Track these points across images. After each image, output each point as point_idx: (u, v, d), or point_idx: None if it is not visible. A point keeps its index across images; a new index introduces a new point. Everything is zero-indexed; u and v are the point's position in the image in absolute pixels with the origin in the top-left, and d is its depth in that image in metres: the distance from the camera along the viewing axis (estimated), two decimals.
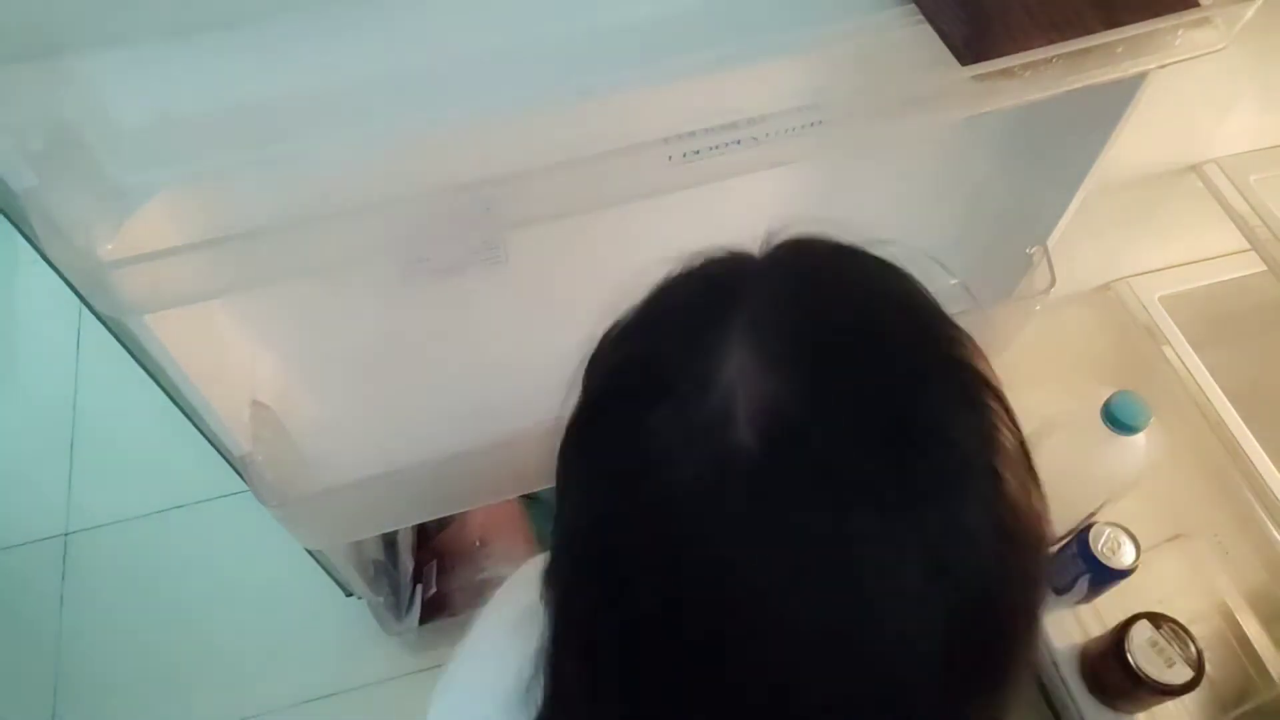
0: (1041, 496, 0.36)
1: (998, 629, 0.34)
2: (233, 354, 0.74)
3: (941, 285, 0.91)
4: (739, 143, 0.49)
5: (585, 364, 0.42)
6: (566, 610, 0.40)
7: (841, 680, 0.32)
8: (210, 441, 0.73)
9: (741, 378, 0.34)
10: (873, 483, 0.32)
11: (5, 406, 1.61)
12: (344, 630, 1.33)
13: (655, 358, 0.38)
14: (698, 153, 0.49)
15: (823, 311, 0.37)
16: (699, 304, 0.39)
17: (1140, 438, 1.00)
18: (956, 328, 0.38)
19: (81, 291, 0.47)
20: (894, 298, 0.39)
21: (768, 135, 0.49)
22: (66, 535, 1.47)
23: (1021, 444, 0.36)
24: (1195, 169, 1.09)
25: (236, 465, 0.72)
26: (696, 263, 0.41)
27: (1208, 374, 1.11)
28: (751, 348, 0.34)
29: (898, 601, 0.31)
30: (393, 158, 0.56)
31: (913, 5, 0.53)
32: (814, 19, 0.55)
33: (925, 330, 0.38)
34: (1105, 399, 0.99)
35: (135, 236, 0.49)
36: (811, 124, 0.49)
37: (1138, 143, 0.75)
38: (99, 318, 0.59)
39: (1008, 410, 0.36)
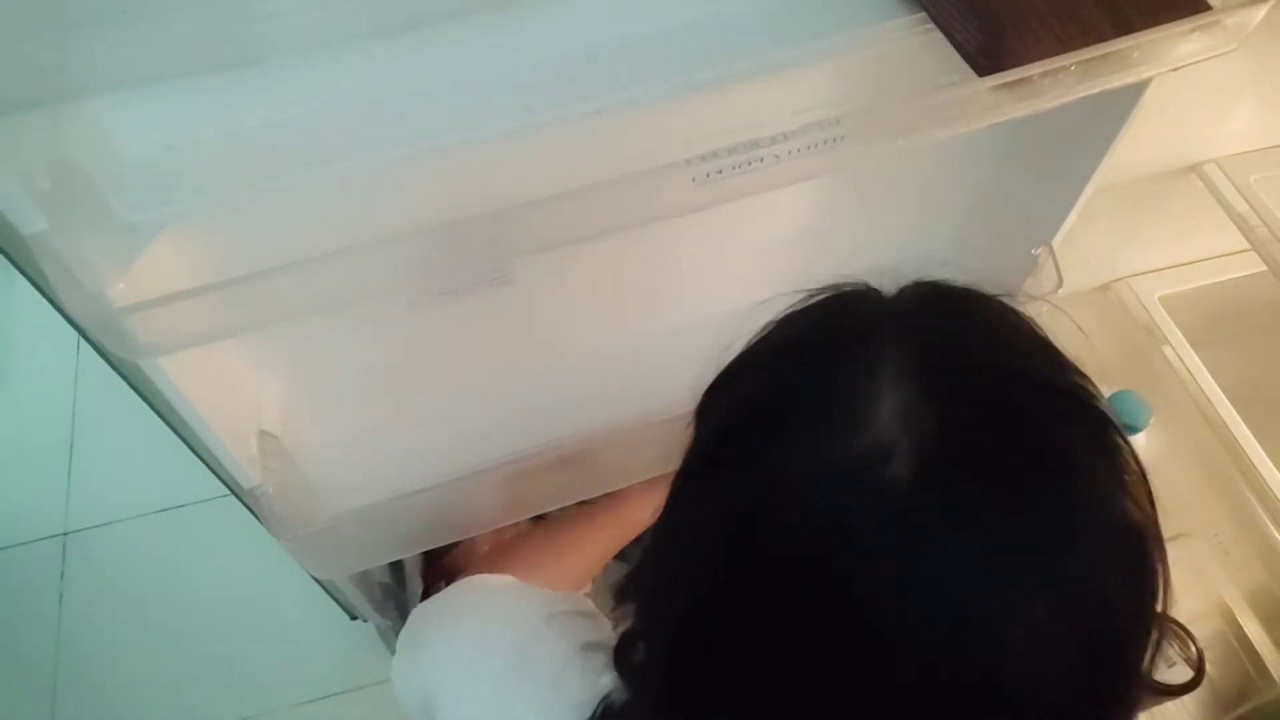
0: (1158, 526, 0.38)
1: (1120, 662, 0.36)
2: (238, 384, 0.73)
3: None
4: (762, 160, 0.49)
5: (701, 397, 0.42)
6: (664, 624, 0.40)
7: (962, 707, 0.33)
8: (218, 475, 0.71)
9: (897, 412, 0.34)
10: (1021, 530, 0.33)
11: (5, 406, 1.60)
12: (345, 629, 1.32)
13: (797, 386, 0.38)
14: (720, 172, 0.49)
15: (970, 354, 0.38)
16: (841, 336, 0.39)
17: (1140, 438, 1.00)
18: (1081, 373, 0.40)
19: (94, 337, 0.46)
20: (1032, 344, 0.40)
21: (790, 152, 0.49)
22: (66, 535, 1.47)
23: (1144, 479, 0.38)
24: (1195, 169, 1.10)
25: (245, 499, 0.71)
26: (823, 297, 0.41)
27: (1208, 374, 1.11)
28: (904, 384, 0.35)
29: (1031, 645, 0.33)
30: (405, 183, 0.55)
31: (923, 14, 0.53)
32: (820, 29, 0.54)
33: (1063, 377, 0.39)
34: (1105, 398, 0.99)
35: (146, 275, 0.49)
36: (834, 139, 0.49)
37: (1138, 143, 0.75)
38: (104, 356, 0.57)
39: (1129, 445, 0.38)
